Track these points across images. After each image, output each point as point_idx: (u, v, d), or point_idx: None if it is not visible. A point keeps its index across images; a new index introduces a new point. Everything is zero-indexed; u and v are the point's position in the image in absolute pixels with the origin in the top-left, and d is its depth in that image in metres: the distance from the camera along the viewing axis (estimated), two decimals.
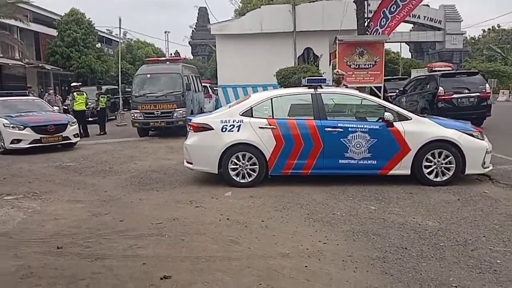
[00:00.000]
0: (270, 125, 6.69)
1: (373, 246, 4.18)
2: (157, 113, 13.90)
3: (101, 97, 16.43)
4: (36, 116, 12.16)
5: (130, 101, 16.80)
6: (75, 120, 12.74)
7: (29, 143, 11.26)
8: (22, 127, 11.31)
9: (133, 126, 14.60)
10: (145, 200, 6.24)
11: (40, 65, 31.03)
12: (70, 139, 11.99)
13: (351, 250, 4.11)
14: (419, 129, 6.48)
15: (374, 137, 6.48)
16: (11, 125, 11.29)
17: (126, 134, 15.40)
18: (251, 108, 6.88)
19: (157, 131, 15.29)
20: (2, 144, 11.34)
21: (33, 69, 30.21)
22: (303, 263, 3.82)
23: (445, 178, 6.42)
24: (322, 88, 6.99)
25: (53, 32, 32.43)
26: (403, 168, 6.49)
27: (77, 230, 4.93)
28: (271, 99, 6.98)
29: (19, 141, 11.23)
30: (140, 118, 14.06)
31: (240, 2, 39.11)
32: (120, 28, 26.77)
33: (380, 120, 6.60)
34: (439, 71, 15.01)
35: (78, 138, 12.47)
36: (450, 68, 19.81)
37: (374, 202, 5.75)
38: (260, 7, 22.40)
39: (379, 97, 10.52)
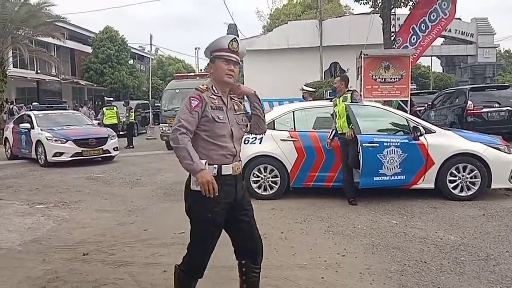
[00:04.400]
0: (292, 137, 6.75)
1: (392, 260, 4.16)
2: None
3: (131, 112, 16.95)
4: (77, 129, 12.33)
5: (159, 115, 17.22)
6: (115, 134, 12.92)
7: (71, 156, 11.35)
8: (64, 140, 11.40)
9: (161, 140, 14.95)
10: (169, 210, 6.39)
11: (75, 80, 32.32)
12: (110, 153, 12.13)
13: (370, 262, 4.10)
14: (443, 142, 6.40)
15: (405, 151, 6.28)
16: (54, 138, 11.38)
17: (155, 147, 15.77)
18: (273, 120, 6.96)
19: None
20: (43, 156, 11.39)
21: (68, 84, 31.49)
22: (320, 275, 3.84)
23: (470, 192, 6.30)
24: None
25: (88, 49, 33.75)
26: (427, 182, 6.41)
27: (102, 238, 5.11)
28: (293, 112, 7.06)
29: (61, 154, 11.30)
30: (169, 131, 14.36)
31: (268, 18, 39.62)
32: (151, 44, 27.65)
33: (406, 134, 6.51)
34: None
35: (118, 152, 12.61)
36: None
37: (397, 216, 5.70)
38: (287, 23, 22.65)
39: (406, 111, 10.40)
